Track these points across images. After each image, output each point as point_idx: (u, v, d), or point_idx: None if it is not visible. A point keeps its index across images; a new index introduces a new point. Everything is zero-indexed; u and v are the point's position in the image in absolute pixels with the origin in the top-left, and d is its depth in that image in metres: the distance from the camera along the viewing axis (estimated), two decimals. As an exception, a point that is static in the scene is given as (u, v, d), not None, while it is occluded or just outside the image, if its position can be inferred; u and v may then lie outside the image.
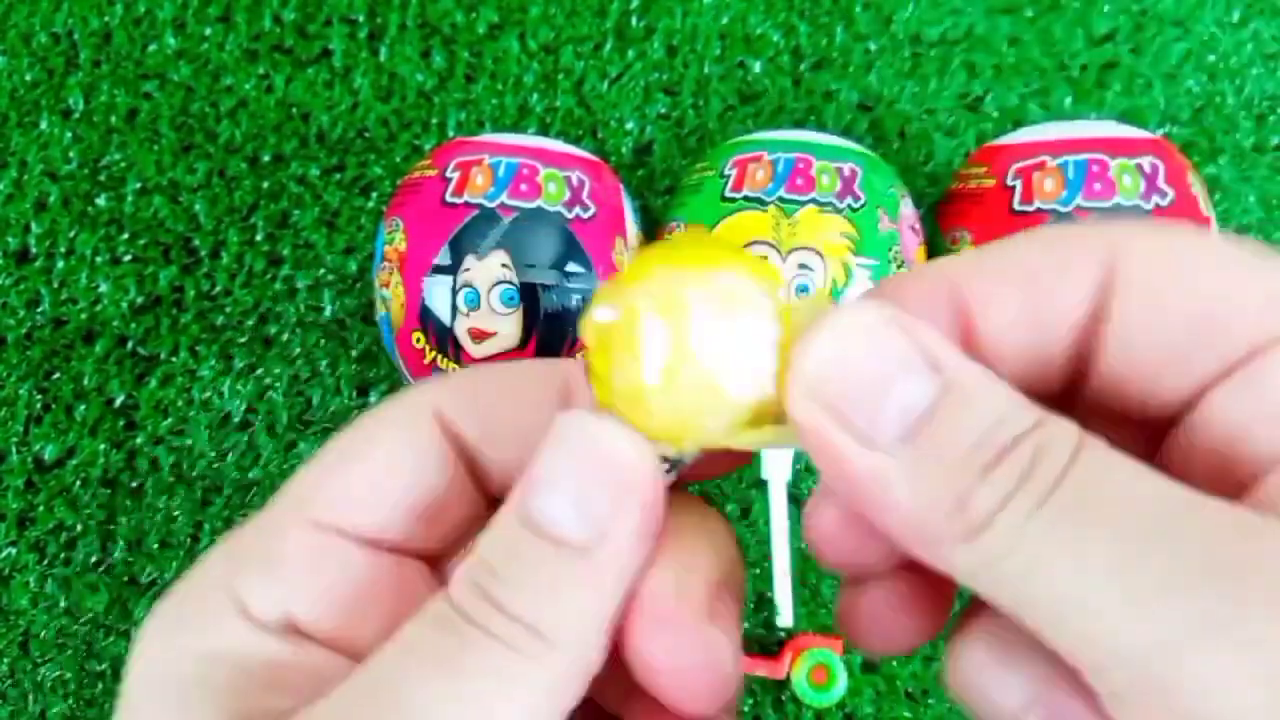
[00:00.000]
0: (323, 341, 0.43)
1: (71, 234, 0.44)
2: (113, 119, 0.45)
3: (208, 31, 0.45)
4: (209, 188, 0.44)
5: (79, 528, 0.42)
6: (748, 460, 0.17)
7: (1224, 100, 0.44)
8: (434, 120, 0.44)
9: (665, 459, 0.15)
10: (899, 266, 0.36)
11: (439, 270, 0.35)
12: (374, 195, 0.44)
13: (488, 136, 0.38)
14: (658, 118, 0.44)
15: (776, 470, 0.38)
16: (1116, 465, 0.13)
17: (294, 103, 0.45)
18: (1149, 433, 0.15)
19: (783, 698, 0.41)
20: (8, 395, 0.43)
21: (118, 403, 0.43)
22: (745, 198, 0.36)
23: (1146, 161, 0.35)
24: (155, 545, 0.42)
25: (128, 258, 0.44)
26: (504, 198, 0.35)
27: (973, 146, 0.44)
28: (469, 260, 0.35)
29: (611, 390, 0.15)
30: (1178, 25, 0.45)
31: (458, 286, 0.35)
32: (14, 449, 0.42)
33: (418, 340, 0.36)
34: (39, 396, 0.43)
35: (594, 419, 0.15)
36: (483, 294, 0.35)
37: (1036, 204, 0.35)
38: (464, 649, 0.14)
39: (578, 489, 0.14)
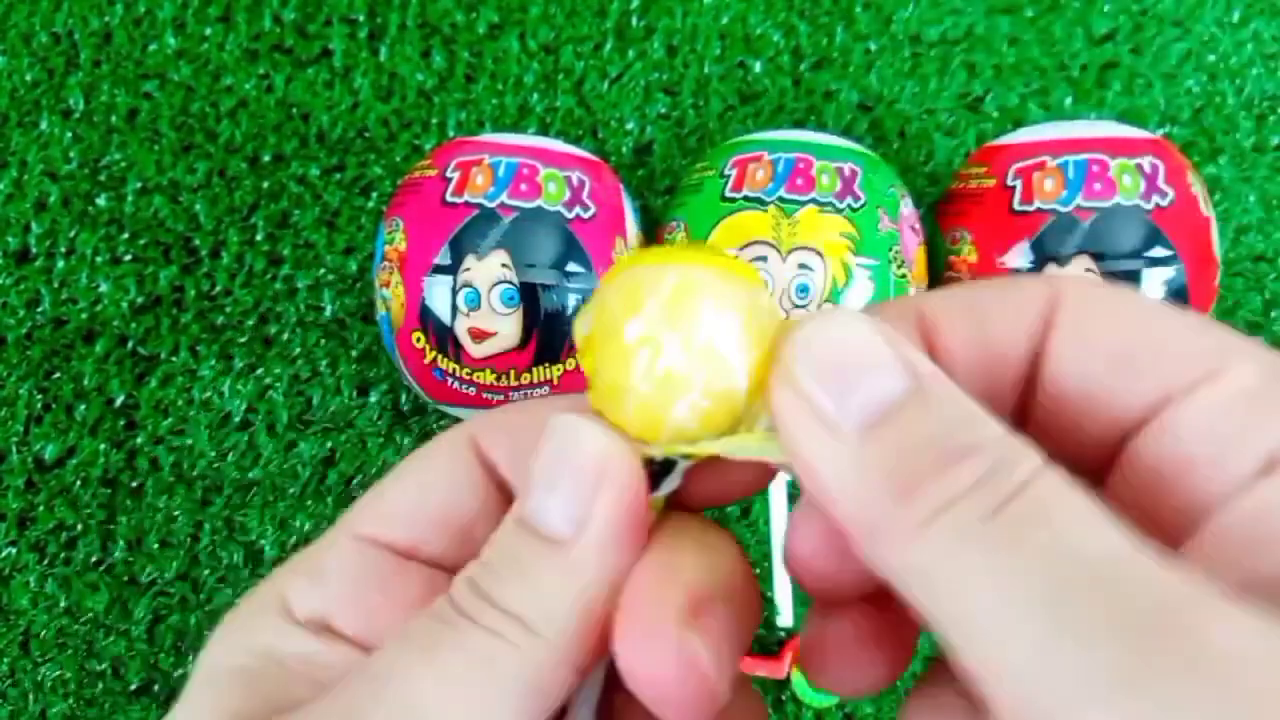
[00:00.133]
0: (323, 341, 0.43)
1: (71, 234, 0.44)
2: (113, 119, 0.45)
3: (208, 31, 0.45)
4: (209, 188, 0.44)
5: (79, 528, 0.42)
6: (762, 485, 0.17)
7: (1224, 100, 0.44)
8: (434, 120, 0.44)
9: (652, 460, 0.16)
10: (899, 266, 0.36)
11: (439, 270, 0.35)
12: (374, 195, 0.44)
13: (488, 136, 0.38)
14: (658, 118, 0.44)
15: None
16: (1068, 501, 0.13)
17: (294, 103, 0.45)
18: (1099, 462, 0.15)
19: (783, 698, 0.41)
20: (8, 395, 0.43)
21: (118, 403, 0.43)
22: (745, 198, 0.36)
23: (1146, 161, 0.35)
24: (155, 545, 0.42)
25: (128, 258, 0.44)
26: (504, 197, 0.35)
27: (973, 146, 0.44)
28: (469, 260, 0.35)
29: (596, 390, 0.16)
30: (1178, 25, 0.45)
31: (458, 286, 0.35)
32: (14, 449, 0.42)
33: (418, 340, 0.36)
34: (39, 396, 0.43)
35: (574, 419, 0.16)
36: (483, 294, 0.35)
37: (1037, 204, 0.35)
38: (453, 638, 0.15)
39: (558, 485, 0.15)
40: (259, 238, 0.44)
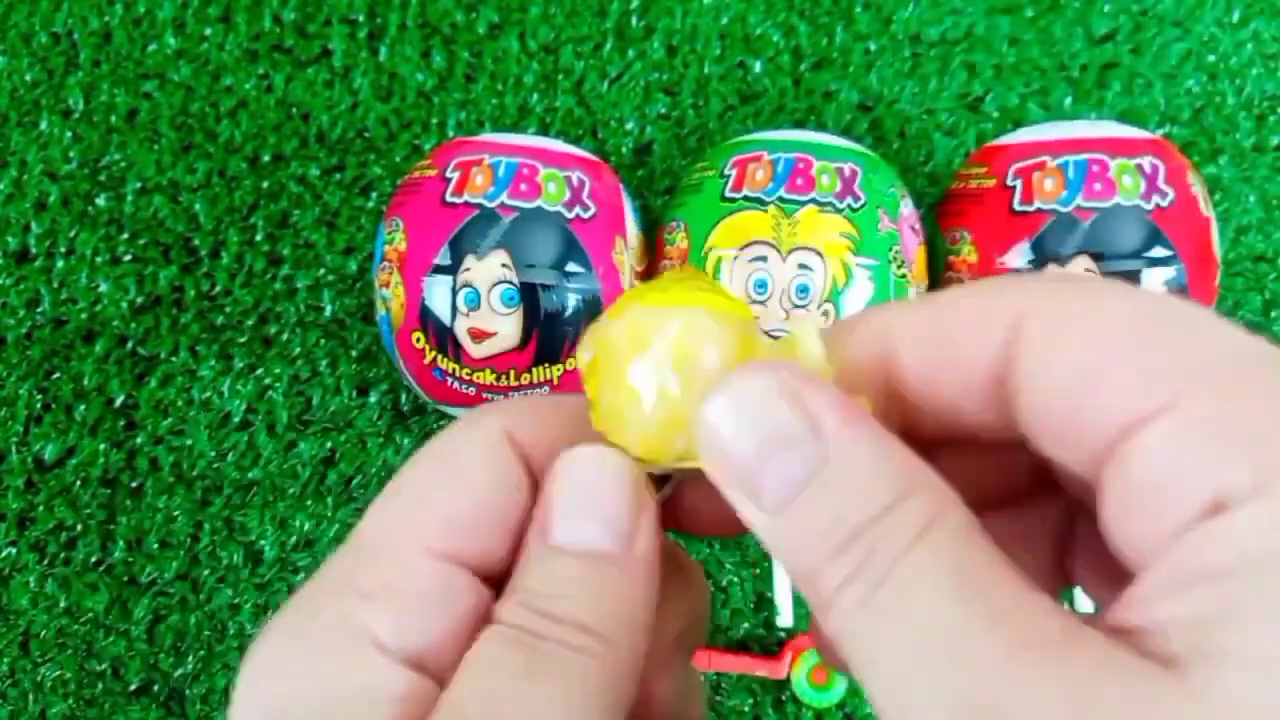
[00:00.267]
0: (323, 341, 0.43)
1: (71, 234, 0.44)
2: (113, 119, 0.45)
3: (208, 31, 0.45)
4: (209, 188, 0.44)
5: (79, 528, 0.42)
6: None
7: (1224, 100, 0.44)
8: (434, 120, 0.44)
9: (652, 476, 0.17)
10: (899, 266, 0.36)
11: (439, 270, 0.35)
12: (374, 195, 0.44)
13: (488, 136, 0.38)
14: (658, 118, 0.44)
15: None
16: (925, 580, 0.13)
17: (294, 103, 0.45)
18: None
19: (783, 698, 0.41)
20: (8, 395, 0.43)
21: (118, 403, 0.43)
22: (745, 198, 0.36)
23: (1146, 161, 0.35)
24: (155, 545, 0.42)
25: (128, 258, 0.44)
26: (504, 198, 0.35)
27: (973, 146, 0.44)
28: (469, 260, 0.35)
29: (599, 414, 0.17)
30: (1178, 25, 0.45)
31: (458, 286, 0.35)
32: (14, 449, 0.42)
33: (418, 340, 0.36)
34: (39, 396, 0.43)
35: (594, 449, 0.17)
36: (483, 294, 0.35)
37: (1037, 204, 0.35)
38: (533, 657, 0.15)
39: (598, 508, 0.16)
40: (259, 238, 0.44)
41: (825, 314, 0.35)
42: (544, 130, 0.44)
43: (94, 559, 0.42)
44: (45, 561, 0.42)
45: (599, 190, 0.37)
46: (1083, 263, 0.34)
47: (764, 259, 0.35)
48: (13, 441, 0.42)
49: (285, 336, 0.43)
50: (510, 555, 0.17)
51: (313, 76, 0.45)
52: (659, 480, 0.18)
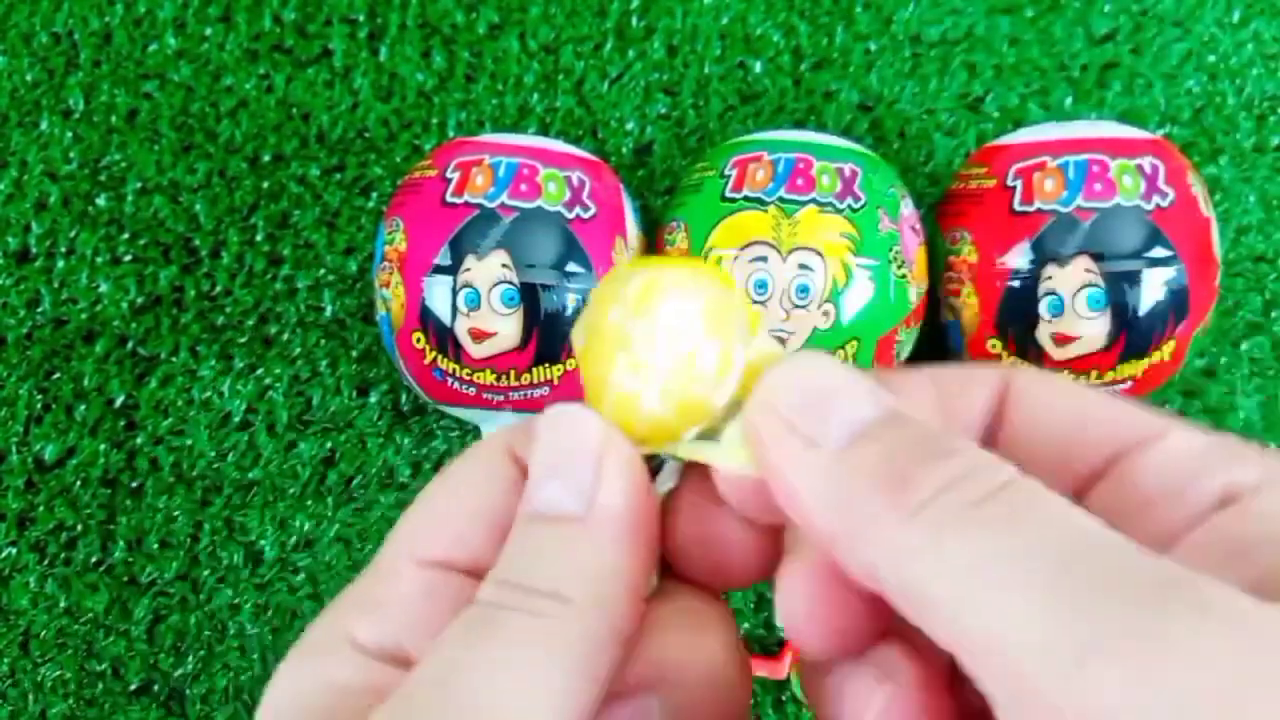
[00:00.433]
0: (323, 341, 0.43)
1: (71, 234, 0.44)
2: (113, 119, 0.45)
3: (208, 31, 0.45)
4: (209, 188, 0.44)
5: (79, 528, 0.42)
6: (768, 572, 0.18)
7: (1224, 100, 0.44)
8: (434, 120, 0.44)
9: (646, 458, 0.17)
10: (899, 267, 0.36)
11: (439, 270, 0.35)
12: (374, 195, 0.44)
13: (488, 136, 0.38)
14: (658, 118, 0.44)
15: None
16: (1053, 496, 0.13)
17: (294, 103, 0.45)
18: None
19: (783, 698, 0.41)
20: (8, 395, 0.43)
21: (118, 403, 0.43)
22: (745, 198, 0.36)
23: (1146, 161, 0.35)
24: (155, 545, 0.42)
25: (128, 258, 0.44)
26: (504, 198, 0.35)
27: (973, 146, 0.44)
28: (469, 260, 0.35)
29: (588, 392, 0.17)
30: (1178, 25, 0.45)
31: (458, 286, 0.35)
32: (14, 449, 0.42)
33: (418, 340, 0.36)
34: (39, 396, 0.43)
35: (563, 408, 0.17)
36: (483, 294, 0.35)
37: (1037, 204, 0.35)
38: (495, 627, 0.15)
39: (562, 468, 0.16)
40: (259, 238, 0.44)
41: (826, 314, 0.35)
42: (544, 130, 0.44)
43: (94, 559, 0.42)
44: (45, 561, 0.42)
45: (599, 190, 0.37)
46: (1083, 263, 0.34)
47: (764, 259, 0.35)
48: (13, 441, 0.42)
49: (285, 336, 0.43)
50: None
51: (313, 76, 0.45)
52: (653, 472, 0.17)
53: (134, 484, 0.42)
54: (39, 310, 0.43)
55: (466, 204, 0.35)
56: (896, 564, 0.13)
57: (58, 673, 0.41)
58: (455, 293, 0.35)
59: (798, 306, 0.35)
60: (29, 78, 0.45)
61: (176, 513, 0.42)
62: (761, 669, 0.40)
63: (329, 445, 0.42)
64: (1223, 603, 0.11)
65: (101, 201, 0.44)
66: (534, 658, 0.15)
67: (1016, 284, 0.35)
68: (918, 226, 0.38)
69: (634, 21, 0.45)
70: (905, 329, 0.37)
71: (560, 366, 0.36)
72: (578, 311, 0.36)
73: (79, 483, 0.42)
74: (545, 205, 0.35)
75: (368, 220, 0.44)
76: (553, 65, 0.45)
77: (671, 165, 0.44)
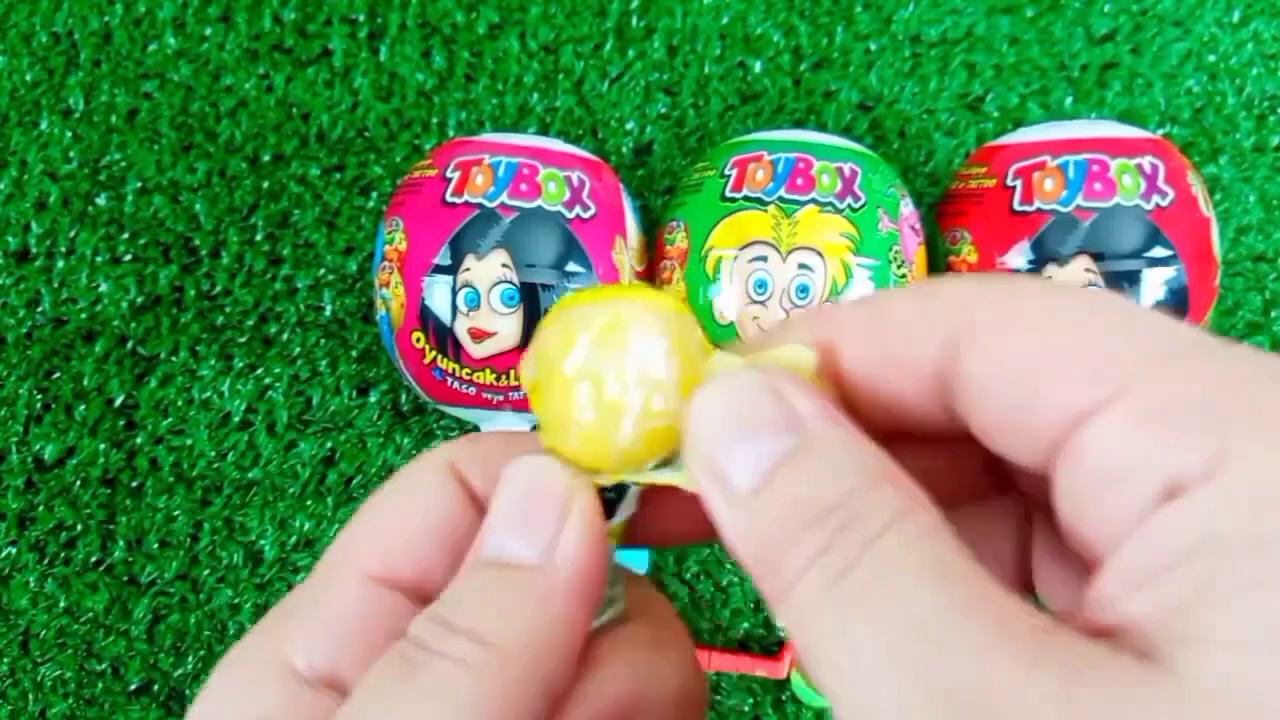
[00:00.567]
0: (323, 341, 0.43)
1: (71, 234, 0.44)
2: (113, 119, 0.45)
3: (208, 31, 0.45)
4: (209, 187, 0.44)
5: (79, 527, 0.42)
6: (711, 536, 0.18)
7: (1224, 100, 0.44)
8: (434, 120, 0.44)
9: (604, 488, 0.17)
10: (899, 267, 0.36)
11: (439, 270, 0.35)
12: (374, 195, 0.44)
13: (488, 136, 0.38)
14: (658, 117, 0.44)
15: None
16: (908, 559, 0.13)
17: (294, 103, 0.45)
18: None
19: (783, 698, 0.41)
20: (8, 395, 0.43)
21: (118, 403, 0.43)
22: (745, 197, 0.36)
23: (1146, 161, 0.35)
24: (155, 545, 0.42)
25: (128, 257, 0.44)
26: (504, 197, 0.35)
27: (973, 146, 0.44)
28: (469, 260, 0.35)
29: (544, 428, 0.17)
30: (1178, 25, 0.45)
31: (458, 286, 0.35)
32: (14, 449, 0.42)
33: (418, 340, 0.36)
34: (39, 396, 0.43)
35: (532, 460, 0.17)
36: (483, 294, 0.35)
37: (1037, 204, 0.35)
38: (413, 671, 0.15)
39: (520, 517, 0.16)
40: (259, 238, 0.44)
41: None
42: (544, 130, 0.44)
43: (94, 559, 0.42)
44: (45, 561, 0.42)
45: (599, 190, 0.37)
46: (1083, 263, 0.34)
47: (764, 259, 0.35)
48: (13, 441, 0.42)
49: (285, 336, 0.43)
50: (450, 578, 0.17)
51: (313, 76, 0.45)
52: (613, 500, 0.17)
53: (134, 484, 0.42)
54: (39, 310, 0.43)
55: (466, 204, 0.35)
56: (793, 636, 0.14)
57: (58, 672, 0.41)
58: (455, 292, 0.35)
59: (798, 306, 0.35)
60: (29, 78, 0.45)
61: (176, 512, 0.42)
62: (761, 669, 0.40)
63: (329, 445, 0.42)
64: (1017, 693, 0.11)
65: (101, 201, 0.44)
66: (448, 706, 0.14)
67: (1016, 284, 0.35)
68: (918, 226, 0.38)
69: (634, 21, 0.45)
70: (905, 329, 0.37)
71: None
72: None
73: (79, 482, 0.42)
74: (545, 205, 0.35)
75: (368, 220, 0.44)
76: (553, 65, 0.45)
77: (671, 165, 0.44)
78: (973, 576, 0.13)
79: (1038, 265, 0.35)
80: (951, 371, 0.15)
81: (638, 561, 0.39)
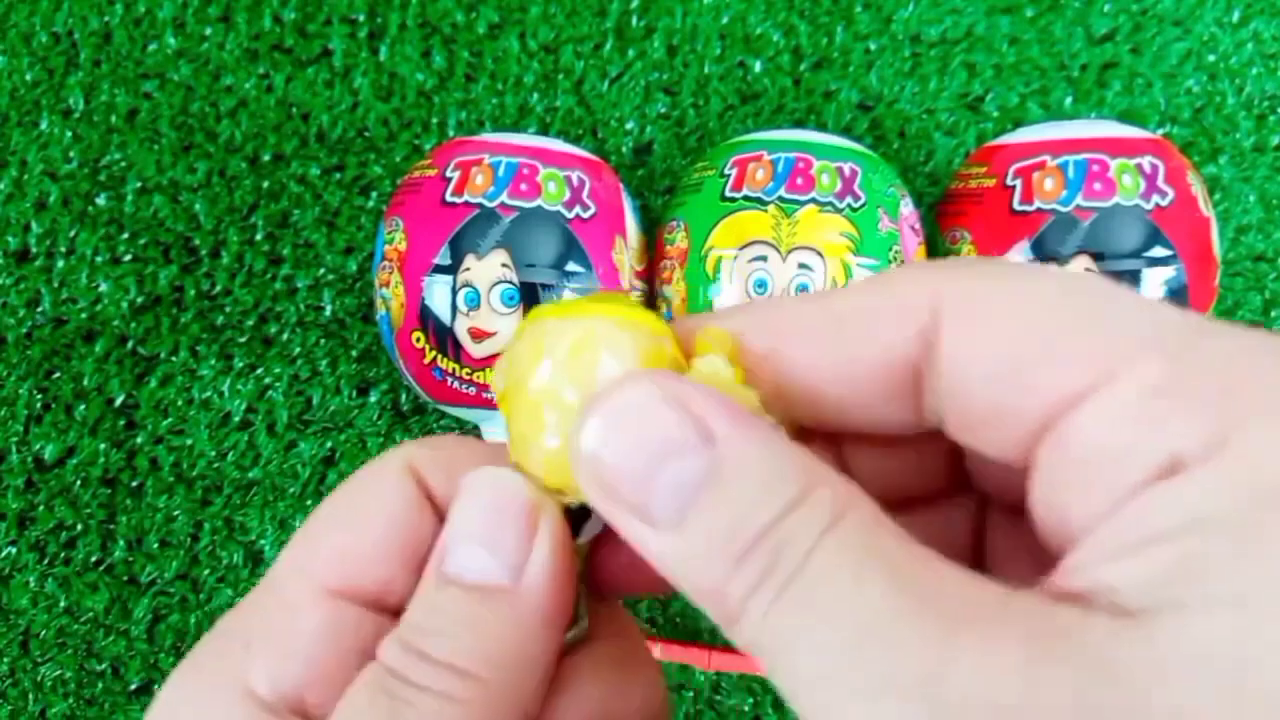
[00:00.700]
0: (323, 341, 0.43)
1: (71, 234, 0.44)
2: (113, 119, 0.45)
3: (208, 31, 0.45)
4: (209, 187, 0.44)
5: (79, 527, 0.42)
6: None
7: (1224, 100, 0.44)
8: (434, 120, 0.44)
9: (569, 508, 0.16)
10: (899, 266, 0.36)
11: (439, 270, 0.35)
12: (374, 195, 0.44)
13: (488, 136, 0.38)
14: (658, 117, 0.44)
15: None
16: (838, 570, 0.13)
17: (294, 102, 0.45)
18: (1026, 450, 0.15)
19: (783, 697, 0.41)
20: (8, 395, 0.43)
21: (118, 402, 0.43)
22: (745, 197, 0.36)
23: (1146, 161, 0.35)
24: (155, 545, 0.42)
25: (128, 257, 0.44)
26: (504, 197, 0.35)
27: (973, 146, 0.44)
28: (469, 260, 0.35)
29: (513, 442, 0.16)
30: (1178, 25, 0.45)
31: (458, 286, 0.35)
32: (14, 449, 0.42)
33: (418, 340, 0.36)
34: (39, 396, 0.43)
35: (493, 471, 0.16)
36: (483, 294, 0.35)
37: (1037, 203, 0.35)
38: (398, 707, 0.14)
39: (488, 535, 0.15)
40: (259, 237, 0.44)
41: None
42: (544, 130, 0.44)
43: (94, 559, 0.42)
44: (45, 561, 0.42)
45: (599, 190, 0.37)
46: (1083, 262, 0.34)
47: (764, 259, 0.35)
48: (13, 441, 0.42)
49: (285, 336, 0.43)
50: (413, 587, 0.17)
51: (313, 76, 0.45)
52: (577, 520, 0.17)
53: (134, 483, 0.42)
54: (39, 310, 0.43)
55: (466, 203, 0.35)
56: (746, 650, 0.14)
57: (58, 672, 0.41)
58: (455, 292, 0.35)
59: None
60: (29, 77, 0.45)
61: (176, 512, 0.42)
62: (761, 669, 0.40)
63: (329, 445, 0.42)
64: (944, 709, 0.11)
65: (101, 201, 0.44)
66: None
67: (1016, 283, 0.35)
68: (917, 226, 0.38)
69: (634, 21, 0.45)
70: (905, 328, 0.37)
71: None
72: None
73: (79, 482, 0.42)
74: (545, 205, 0.35)
75: (368, 220, 0.44)
76: (553, 65, 0.45)
77: (671, 165, 0.44)
78: (919, 561, 0.13)
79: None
80: (920, 367, 0.14)
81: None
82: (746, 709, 0.41)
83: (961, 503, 0.18)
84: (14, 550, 0.42)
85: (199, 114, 0.45)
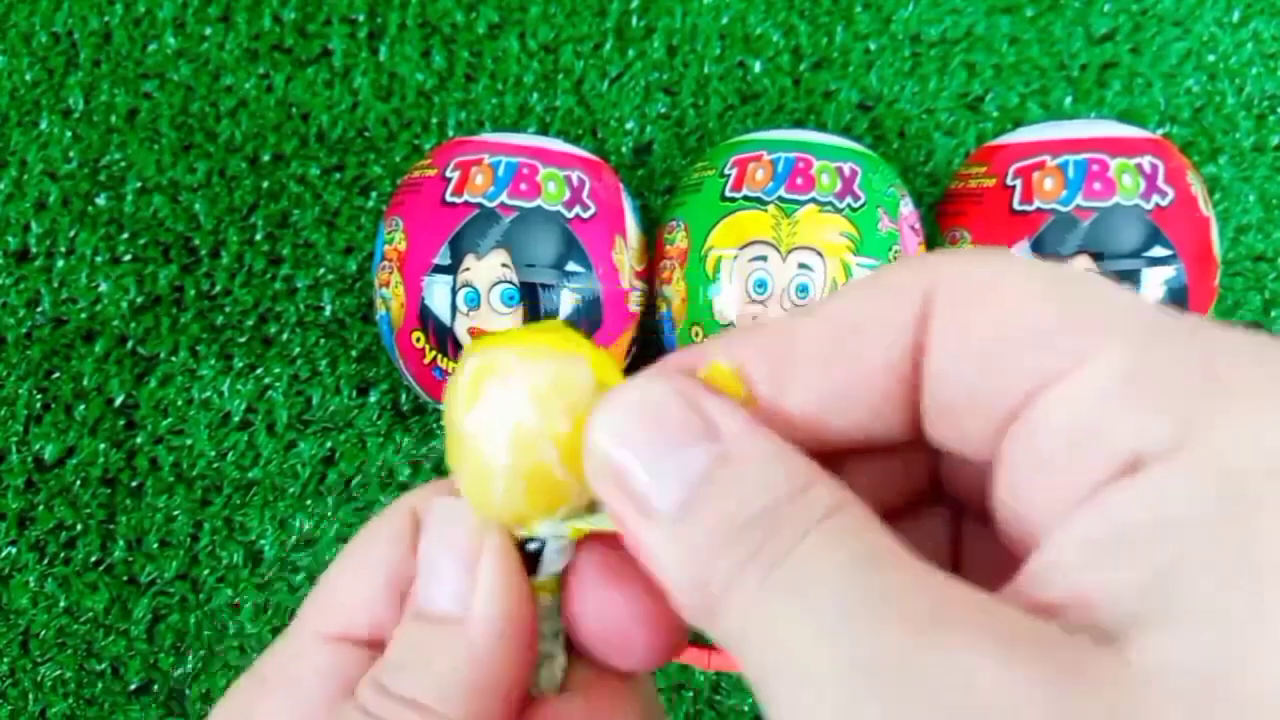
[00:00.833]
0: (323, 341, 0.43)
1: (71, 234, 0.44)
2: (113, 119, 0.45)
3: (208, 31, 0.45)
4: (209, 187, 0.44)
5: (79, 527, 0.42)
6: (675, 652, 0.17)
7: (1224, 100, 0.44)
8: (434, 120, 0.44)
9: (523, 541, 0.16)
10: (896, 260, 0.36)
11: (439, 270, 0.35)
12: (374, 195, 0.44)
13: (488, 136, 0.38)
14: (658, 117, 0.45)
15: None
16: (845, 544, 0.13)
17: (294, 102, 0.45)
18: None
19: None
20: (8, 395, 0.43)
21: (118, 402, 0.43)
22: (745, 197, 0.36)
23: (1146, 161, 0.35)
24: (155, 545, 0.42)
25: (128, 257, 0.44)
26: (504, 197, 0.35)
27: (973, 146, 0.44)
28: (469, 260, 0.35)
29: (456, 476, 0.16)
30: (1178, 25, 0.45)
31: (458, 286, 0.35)
32: (14, 449, 0.42)
33: (418, 340, 0.36)
34: (39, 396, 0.43)
35: (443, 502, 0.16)
36: (483, 293, 0.35)
37: (1036, 203, 0.35)
38: None
39: (441, 567, 0.16)
40: (259, 238, 0.44)
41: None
42: (544, 130, 0.44)
43: (94, 559, 0.42)
44: (45, 561, 0.42)
45: (599, 190, 0.37)
46: (1083, 262, 0.34)
47: (764, 259, 0.35)
48: (13, 441, 0.42)
49: (285, 336, 0.43)
50: None
51: (313, 76, 0.45)
52: (535, 555, 0.17)
53: (134, 483, 0.42)
54: (39, 310, 0.43)
55: (466, 203, 0.35)
56: (729, 643, 0.13)
57: (57, 672, 0.41)
58: (455, 292, 0.35)
59: (798, 306, 0.35)
60: (29, 77, 0.45)
61: (176, 512, 0.42)
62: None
63: (329, 445, 0.42)
64: (925, 693, 0.11)
65: (101, 201, 0.44)
66: None
67: (1016, 283, 0.35)
68: (917, 226, 0.38)
69: (634, 21, 0.45)
70: (905, 328, 0.37)
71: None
72: (577, 311, 0.36)
73: (79, 482, 0.42)
74: (545, 205, 0.35)
75: (367, 220, 0.44)
76: (553, 65, 0.45)
77: (671, 165, 0.44)
78: (906, 561, 0.13)
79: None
80: (918, 360, 0.14)
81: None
82: (746, 709, 0.41)
83: (940, 514, 0.18)
84: (14, 550, 0.42)
85: (199, 114, 0.45)
